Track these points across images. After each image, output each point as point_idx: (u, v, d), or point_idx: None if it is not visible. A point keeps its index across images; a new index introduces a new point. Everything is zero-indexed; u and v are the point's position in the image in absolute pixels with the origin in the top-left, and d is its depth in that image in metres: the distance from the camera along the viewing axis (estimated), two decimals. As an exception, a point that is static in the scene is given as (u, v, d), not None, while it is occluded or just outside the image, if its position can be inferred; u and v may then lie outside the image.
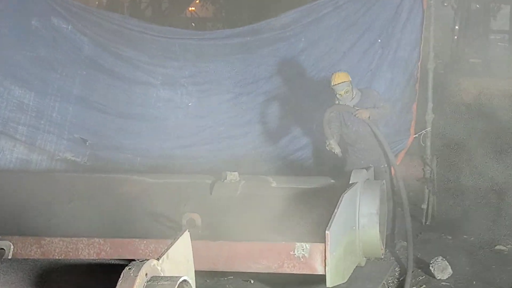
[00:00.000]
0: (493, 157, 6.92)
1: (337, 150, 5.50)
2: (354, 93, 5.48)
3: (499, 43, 12.98)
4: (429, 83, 6.09)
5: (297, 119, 6.30)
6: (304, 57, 6.37)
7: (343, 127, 5.57)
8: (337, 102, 5.48)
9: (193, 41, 6.70)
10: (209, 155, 6.35)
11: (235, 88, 6.51)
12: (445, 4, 10.69)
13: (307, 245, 4.14)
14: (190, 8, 18.17)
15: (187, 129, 6.53)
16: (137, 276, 2.60)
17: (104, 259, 3.90)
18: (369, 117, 5.42)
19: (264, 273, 4.36)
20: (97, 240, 4.17)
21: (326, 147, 5.50)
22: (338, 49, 6.29)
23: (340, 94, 5.41)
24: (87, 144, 6.36)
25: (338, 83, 5.38)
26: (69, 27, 6.36)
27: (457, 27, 12.30)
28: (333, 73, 5.47)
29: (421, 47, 6.05)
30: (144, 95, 6.53)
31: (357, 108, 5.44)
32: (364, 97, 5.51)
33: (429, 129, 6.07)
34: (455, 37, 12.41)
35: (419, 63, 6.07)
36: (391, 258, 5.39)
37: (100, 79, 6.51)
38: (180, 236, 3.09)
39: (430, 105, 6.08)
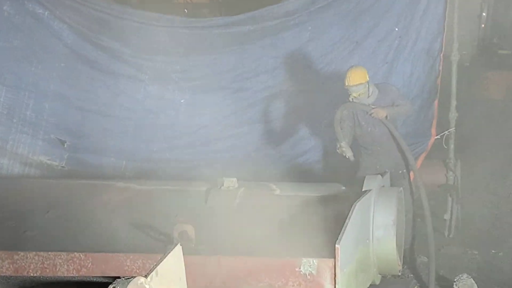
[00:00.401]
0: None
1: (349, 153, 5.49)
2: (371, 90, 5.46)
3: (533, 33, 13.02)
4: (453, 77, 6.10)
5: (304, 117, 6.33)
6: (311, 48, 6.39)
7: (356, 128, 5.56)
8: (350, 99, 5.47)
9: (186, 29, 6.71)
10: (204, 159, 6.37)
11: (233, 83, 6.54)
12: (471, -12, 10.74)
13: (314, 260, 4.13)
14: (182, -7, 18.24)
15: (179, 129, 6.56)
16: (122, 296, 2.63)
17: (85, 276, 3.92)
18: (386, 116, 5.41)
19: (266, 292, 4.39)
20: (77, 254, 4.14)
21: (337, 150, 5.49)
22: (349, 38, 6.32)
23: (354, 96, 5.41)
24: (65, 146, 6.41)
25: (353, 85, 5.35)
26: (46, 13, 6.40)
27: (484, 13, 12.27)
28: (348, 70, 5.42)
29: (444, 37, 6.07)
30: (130, 91, 6.57)
31: (373, 107, 5.42)
32: (382, 94, 5.50)
33: (452, 129, 6.08)
34: (482, 25, 12.39)
35: (441, 55, 6.09)
36: (410, 275, 5.42)
37: (81, 73, 6.55)
38: (171, 250, 3.11)
39: (454, 102, 6.09)
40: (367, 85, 5.41)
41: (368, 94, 5.44)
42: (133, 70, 6.57)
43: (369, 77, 5.42)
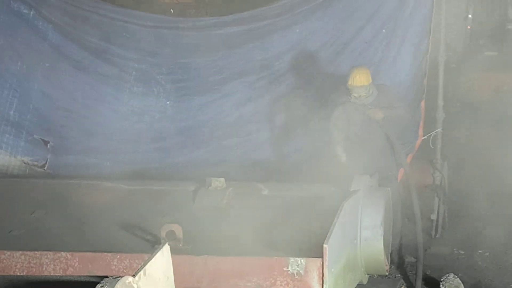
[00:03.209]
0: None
1: (343, 158, 5.51)
2: (371, 91, 5.47)
3: (519, 34, 13.15)
4: (440, 78, 6.14)
5: (292, 118, 6.33)
6: (299, 50, 6.40)
7: (350, 126, 5.56)
8: (349, 98, 5.47)
9: (172, 30, 6.70)
10: (191, 160, 6.36)
11: (220, 85, 6.52)
12: (457, -11, 10.82)
13: (302, 260, 4.15)
14: (168, -8, 18.23)
15: (165, 131, 6.55)
16: (111, 294, 2.64)
17: (72, 276, 3.91)
18: (383, 117, 5.45)
19: (254, 291, 4.40)
20: (63, 254, 4.13)
21: (332, 153, 5.51)
22: (337, 40, 6.33)
23: (354, 96, 5.43)
24: (48, 146, 6.37)
25: (357, 86, 5.37)
26: (31, 13, 6.39)
27: (470, 15, 12.38)
28: (353, 70, 5.43)
29: (430, 38, 6.07)
30: (115, 92, 6.55)
31: (370, 107, 5.45)
32: (380, 95, 5.51)
33: (439, 130, 6.11)
34: (469, 27, 12.50)
35: (427, 56, 6.09)
36: (397, 275, 5.45)
37: (66, 73, 6.53)
38: (159, 250, 3.11)
39: (441, 103, 6.12)
40: (369, 87, 5.43)
41: (368, 95, 5.46)
42: (118, 70, 6.56)
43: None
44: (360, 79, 5.36)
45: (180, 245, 4.19)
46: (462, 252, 5.96)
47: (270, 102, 6.43)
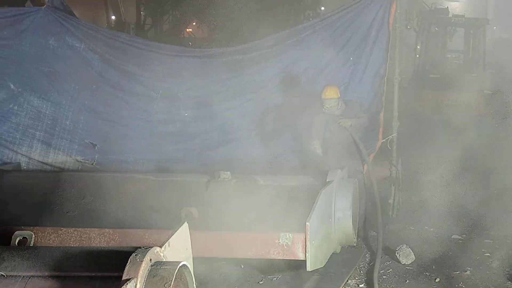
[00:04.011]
0: (450, 158, 7.00)
1: (319, 150, 5.57)
2: (340, 104, 5.56)
3: (455, 61, 13.17)
4: (395, 95, 6.14)
5: (281, 126, 6.31)
6: (286, 74, 6.36)
7: (326, 132, 5.62)
8: (324, 110, 5.55)
9: (189, 58, 6.67)
10: (204, 157, 6.34)
11: (225, 101, 6.47)
12: (408, 27, 10.83)
13: (290, 234, 4.16)
14: (187, 29, 18.24)
15: (183, 136, 6.51)
16: (142, 261, 2.59)
17: (114, 247, 3.91)
18: (350, 125, 5.51)
19: (253, 258, 4.39)
20: (107, 230, 4.15)
21: (311, 147, 5.56)
22: (315, 66, 6.30)
23: (326, 107, 5.50)
24: (96, 148, 6.33)
25: (327, 98, 5.47)
26: (82, 46, 6.35)
27: (418, 47, 12.44)
28: (325, 87, 5.56)
29: (387, 64, 6.09)
30: (145, 106, 6.50)
31: (341, 118, 5.53)
32: (348, 108, 5.61)
33: (395, 134, 6.10)
34: (417, 55, 12.56)
35: (385, 78, 6.11)
36: (363, 246, 5.43)
37: (107, 92, 6.48)
38: (180, 227, 3.10)
39: (396, 114, 6.13)
40: (337, 101, 5.50)
41: (338, 107, 5.52)
42: (147, 89, 6.50)
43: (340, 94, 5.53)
44: (330, 93, 5.47)
45: (196, 223, 4.16)
46: (412, 228, 5.94)
47: (264, 113, 6.40)
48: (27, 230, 4.01)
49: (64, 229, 4.19)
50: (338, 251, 4.87)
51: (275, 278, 4.65)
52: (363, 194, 5.51)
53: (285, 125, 6.26)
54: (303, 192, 4.86)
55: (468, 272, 4.87)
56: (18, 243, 3.93)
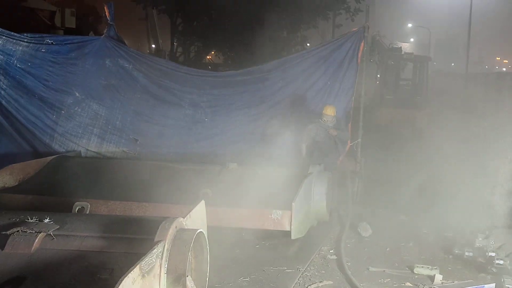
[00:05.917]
0: (398, 157, 6.99)
1: (304, 152, 5.68)
2: (333, 120, 5.72)
3: (405, 87, 13.31)
4: (361, 110, 6.16)
5: (278, 131, 6.28)
6: (281, 92, 6.37)
7: (315, 137, 5.72)
8: (320, 120, 5.70)
9: (209, 77, 6.69)
10: (217, 152, 6.32)
11: (235, 111, 6.44)
12: (371, 60, 10.90)
13: (280, 211, 4.15)
14: (208, 57, 18.39)
15: (203, 136, 6.49)
16: (170, 227, 2.61)
17: (149, 216, 3.88)
18: (336, 135, 5.71)
19: (252, 228, 4.37)
20: (144, 204, 4.13)
21: (299, 148, 5.63)
22: (302, 87, 6.31)
23: (324, 120, 5.66)
24: (138, 142, 6.31)
25: (327, 114, 5.66)
26: (130, 66, 6.36)
27: (378, 75, 12.56)
28: (327, 104, 5.74)
29: (355, 88, 6.11)
30: (175, 113, 6.48)
31: (331, 128, 5.70)
32: (337, 123, 5.76)
33: (359, 140, 6.11)
34: (377, 82, 12.67)
35: (353, 98, 6.14)
36: (333, 222, 5.39)
37: (148, 101, 6.47)
38: (198, 203, 3.09)
39: (361, 124, 6.14)
40: (333, 117, 5.69)
41: (332, 122, 5.69)
42: (178, 99, 6.48)
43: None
44: (329, 111, 5.67)
45: (210, 201, 4.10)
46: (370, 209, 5.90)
47: (266, 121, 6.37)
48: (84, 201, 4.00)
49: (112, 201, 4.16)
50: (315, 225, 4.86)
51: (267, 244, 4.63)
52: (335, 183, 5.49)
53: (280, 130, 6.23)
54: (291, 180, 4.82)
55: (411, 244, 4.84)
56: (77, 211, 3.93)
